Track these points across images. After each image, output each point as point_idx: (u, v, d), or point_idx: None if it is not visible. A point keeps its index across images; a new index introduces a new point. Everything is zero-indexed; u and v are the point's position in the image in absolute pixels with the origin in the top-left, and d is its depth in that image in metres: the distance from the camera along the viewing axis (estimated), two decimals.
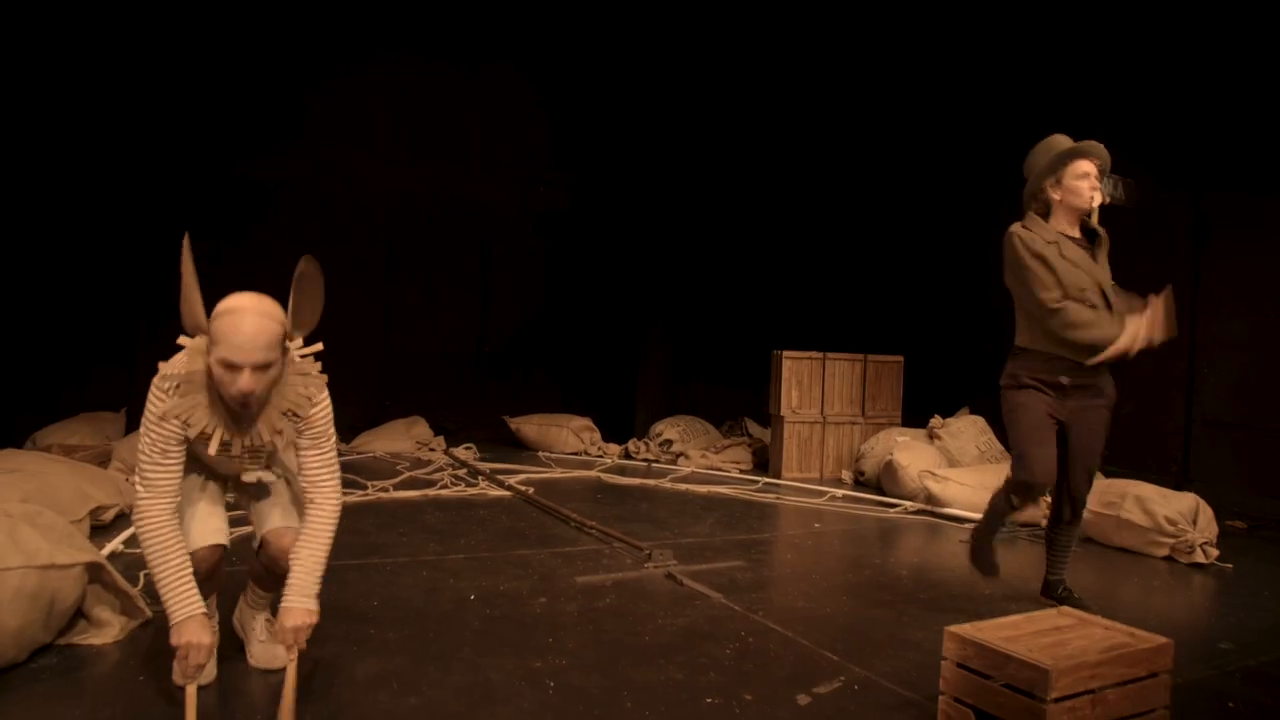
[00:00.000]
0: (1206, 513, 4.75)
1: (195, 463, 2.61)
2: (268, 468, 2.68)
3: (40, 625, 2.72)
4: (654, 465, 7.44)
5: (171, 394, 2.39)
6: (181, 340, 2.46)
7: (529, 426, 8.03)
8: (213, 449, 2.43)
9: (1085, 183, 3.64)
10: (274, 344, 2.35)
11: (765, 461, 7.53)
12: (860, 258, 9.35)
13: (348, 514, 4.25)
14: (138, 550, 3.95)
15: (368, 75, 8.01)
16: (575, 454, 7.72)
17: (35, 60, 6.77)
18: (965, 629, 2.57)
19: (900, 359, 7.73)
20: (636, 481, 6.63)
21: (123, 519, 4.58)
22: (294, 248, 2.66)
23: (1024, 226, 3.74)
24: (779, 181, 9.28)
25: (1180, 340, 6.65)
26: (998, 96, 8.01)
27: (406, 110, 8.21)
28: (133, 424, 6.25)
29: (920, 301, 8.92)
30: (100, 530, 4.32)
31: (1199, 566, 4.59)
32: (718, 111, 8.94)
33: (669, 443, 7.86)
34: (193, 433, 2.40)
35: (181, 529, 2.44)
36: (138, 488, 2.40)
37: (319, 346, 2.59)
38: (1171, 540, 4.68)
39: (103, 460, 5.29)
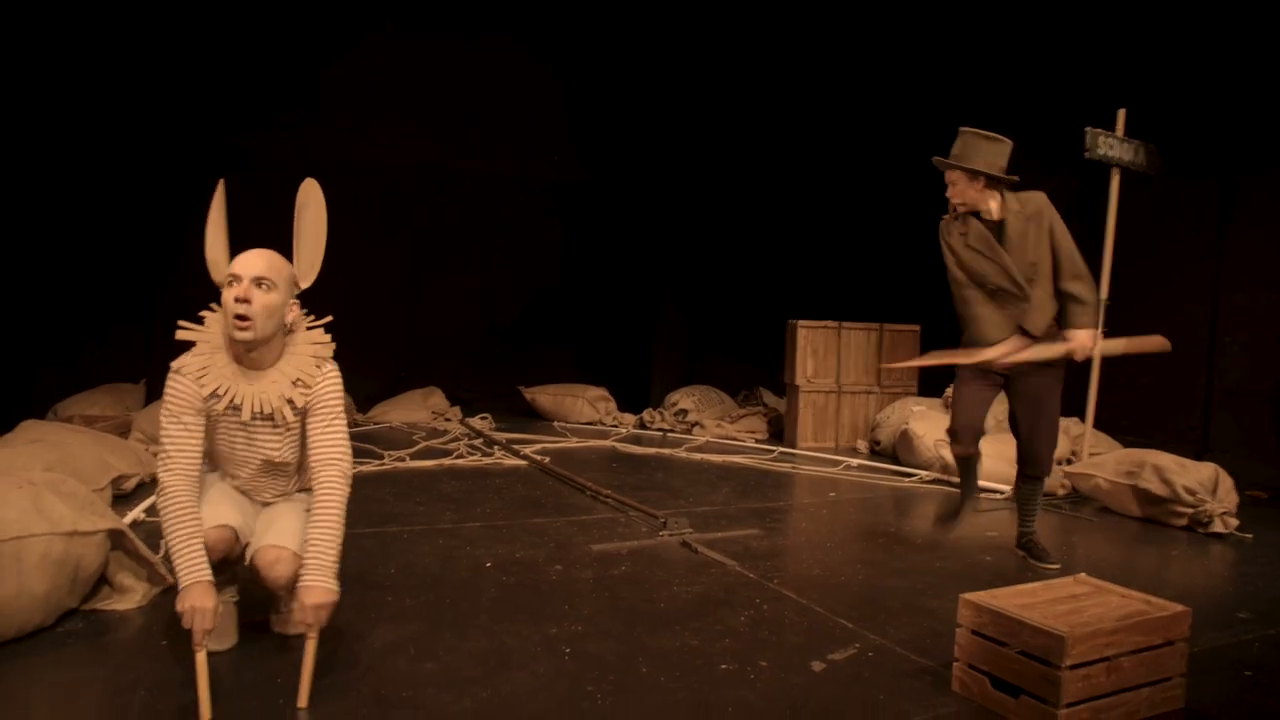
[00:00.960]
0: (1226, 482, 4.72)
1: (232, 476, 2.68)
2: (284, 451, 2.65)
3: (66, 591, 2.76)
4: (669, 435, 7.45)
5: (188, 357, 2.47)
6: (204, 314, 2.55)
7: (544, 396, 8.06)
8: (222, 405, 2.46)
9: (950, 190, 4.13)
10: (278, 268, 2.46)
11: (781, 431, 7.53)
12: (876, 226, 9.26)
13: (365, 483, 4.30)
14: (159, 518, 4.02)
15: (381, 50, 7.96)
16: (591, 424, 7.74)
17: (56, 30, 6.76)
18: (980, 596, 2.57)
19: (917, 328, 7.68)
20: (652, 451, 6.64)
21: (144, 488, 4.63)
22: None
23: (949, 216, 4.24)
24: (794, 151, 9.19)
25: (1201, 310, 6.61)
26: (1020, 66, 7.89)
27: (419, 85, 8.15)
28: (152, 395, 6.31)
29: (936, 270, 8.83)
30: (122, 499, 4.38)
31: (1218, 536, 4.57)
32: (732, 82, 8.84)
33: (684, 412, 7.87)
34: (205, 390, 2.44)
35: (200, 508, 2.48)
36: (158, 466, 2.44)
37: (329, 318, 2.63)
38: (1190, 510, 4.65)
39: (123, 430, 5.35)
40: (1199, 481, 4.66)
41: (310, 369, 2.54)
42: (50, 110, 6.81)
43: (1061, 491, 5.47)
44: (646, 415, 7.97)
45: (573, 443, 6.82)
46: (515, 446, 6.38)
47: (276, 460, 2.62)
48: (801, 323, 7.26)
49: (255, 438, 2.59)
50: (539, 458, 6.05)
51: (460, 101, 8.35)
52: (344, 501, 2.52)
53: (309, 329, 2.61)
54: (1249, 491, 5.30)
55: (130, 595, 2.99)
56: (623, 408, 8.00)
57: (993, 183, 4.01)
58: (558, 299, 8.94)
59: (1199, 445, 6.50)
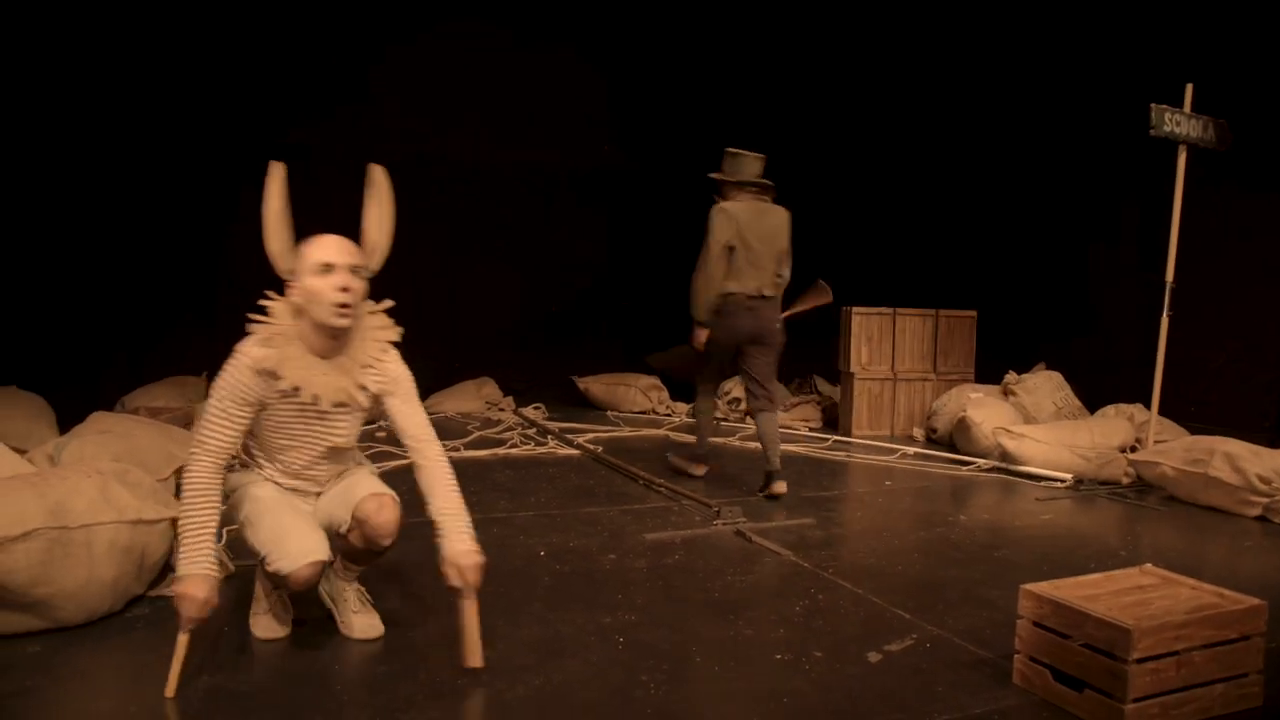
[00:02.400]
0: None
1: (277, 472, 2.66)
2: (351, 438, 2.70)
3: (133, 577, 2.84)
4: (722, 423, 7.41)
5: (260, 347, 2.44)
6: (266, 304, 2.52)
7: (597, 386, 8.07)
8: (306, 395, 2.46)
9: None
10: (359, 256, 2.50)
11: (835, 419, 7.45)
12: (931, 211, 9.10)
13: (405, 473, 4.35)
14: (220, 507, 4.11)
15: (429, 45, 8.03)
16: (643, 413, 7.74)
17: (123, 29, 6.93)
18: (1042, 587, 2.50)
19: (973, 314, 7.53)
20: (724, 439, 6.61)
21: None
22: (358, 213, 2.66)
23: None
24: (846, 134, 9.07)
25: (1276, 292, 6.36)
26: (1076, 52, 7.67)
27: (468, 79, 8.22)
28: None
29: (994, 255, 8.67)
30: None
31: None
32: (781, 65, 8.74)
33: (737, 401, 7.82)
34: (285, 384, 2.43)
35: (279, 549, 2.45)
36: (191, 449, 2.45)
37: (390, 303, 2.64)
38: (1265, 499, 4.49)
39: (186, 422, 5.47)
40: (1274, 469, 4.50)
41: (377, 353, 2.58)
42: (118, 108, 7.00)
43: (1126, 480, 5.33)
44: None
45: (625, 432, 6.82)
46: (568, 436, 6.40)
47: (344, 446, 2.66)
48: (856, 309, 7.16)
49: (325, 424, 2.59)
50: (592, 447, 6.06)
51: (507, 93, 8.40)
52: (451, 468, 2.63)
53: (370, 313, 2.62)
54: None
55: None
56: (675, 396, 7.98)
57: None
58: (608, 289, 8.95)
59: (1274, 432, 6.28)
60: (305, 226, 2.56)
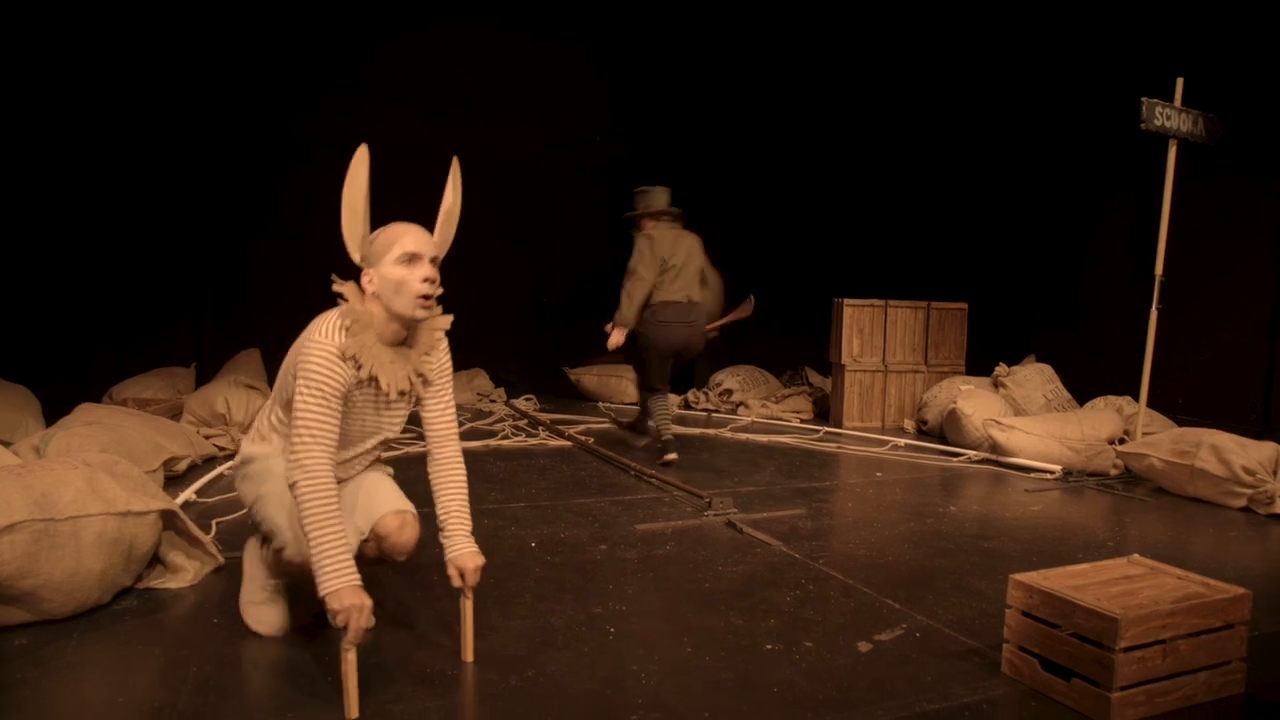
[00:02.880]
0: None
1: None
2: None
3: (121, 569, 2.83)
4: (714, 415, 7.42)
5: (340, 335, 2.33)
6: (337, 288, 2.40)
7: (589, 377, 8.07)
8: (386, 386, 2.41)
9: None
10: (438, 250, 2.46)
11: (826, 411, 7.47)
12: (923, 203, 9.11)
13: (409, 464, 4.33)
14: (211, 499, 4.11)
15: (425, 36, 7.99)
16: (635, 404, 7.71)
17: (111, 19, 6.87)
18: (1031, 577, 2.52)
19: (964, 306, 7.56)
20: (696, 431, 6.63)
21: (195, 470, 4.73)
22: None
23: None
24: (839, 127, 9.06)
25: (1263, 282, 6.41)
26: (1067, 45, 7.68)
27: (464, 70, 8.18)
28: (202, 378, 6.44)
29: (985, 248, 8.69)
30: (174, 480, 4.47)
31: (1278, 518, 4.44)
32: (775, 59, 8.73)
33: (729, 392, 7.84)
34: (364, 373, 2.36)
35: (291, 539, 2.40)
36: (296, 444, 2.24)
37: (440, 290, 2.52)
38: (1250, 490, 4.53)
39: (175, 413, 5.45)
40: (1259, 461, 4.53)
41: (433, 343, 2.55)
42: (104, 98, 6.94)
43: (1114, 471, 5.36)
44: (691, 395, 7.96)
45: (610, 423, 6.82)
46: (559, 427, 6.40)
47: (393, 437, 2.65)
48: (847, 301, 7.18)
49: (383, 416, 2.56)
50: (583, 438, 6.06)
51: (504, 88, 8.36)
52: (463, 468, 2.62)
53: None
54: None
55: (182, 574, 3.05)
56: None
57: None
58: (602, 280, 8.93)
59: (1259, 424, 6.32)
60: (299, 216, 2.54)
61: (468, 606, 2.52)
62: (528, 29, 8.30)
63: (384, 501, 2.56)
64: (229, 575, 3.15)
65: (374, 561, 2.60)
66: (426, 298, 2.37)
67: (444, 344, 2.60)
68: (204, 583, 3.08)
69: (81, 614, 2.73)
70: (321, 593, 2.15)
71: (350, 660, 2.15)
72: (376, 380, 2.41)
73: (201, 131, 7.29)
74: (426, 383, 2.56)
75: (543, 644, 2.66)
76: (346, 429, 2.48)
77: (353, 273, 2.43)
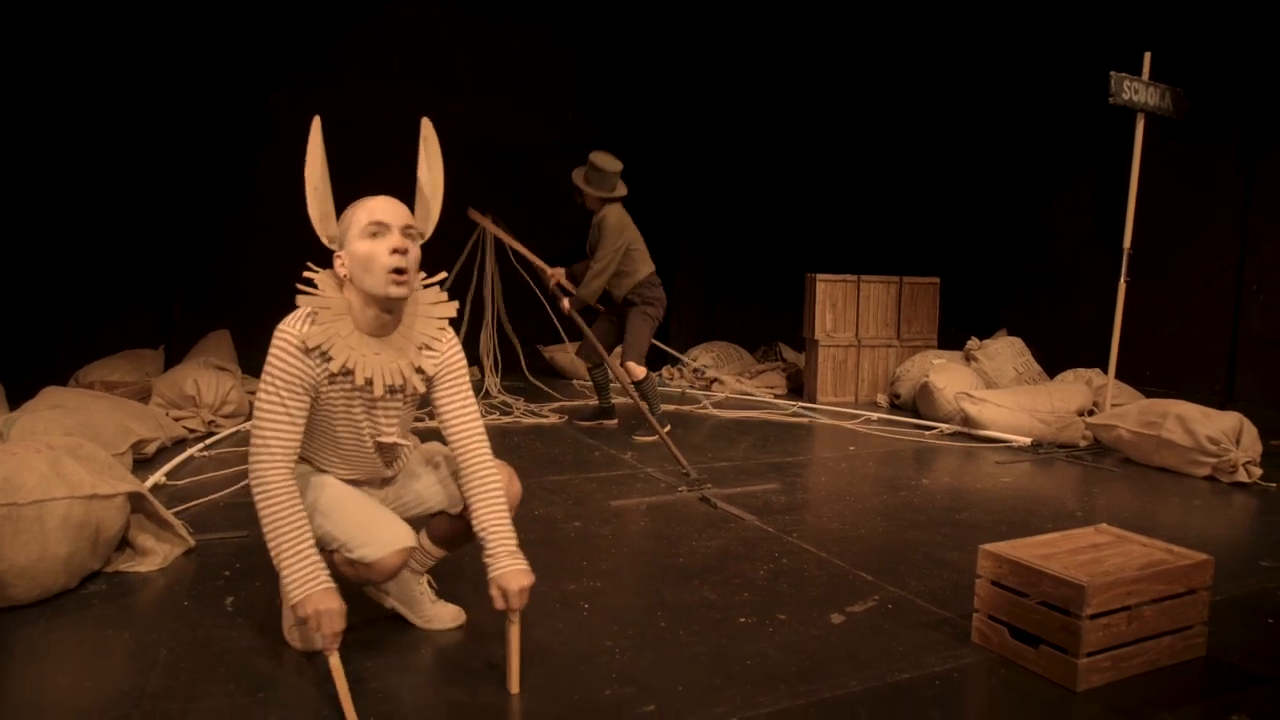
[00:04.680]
0: (1250, 432, 4.66)
1: (336, 462, 2.40)
2: (403, 434, 2.46)
3: (88, 553, 2.80)
4: (688, 391, 7.44)
5: (306, 326, 2.15)
6: (309, 274, 2.23)
7: (563, 355, 8.05)
8: (359, 378, 2.19)
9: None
10: (412, 217, 2.24)
11: (800, 386, 7.50)
12: (895, 178, 9.14)
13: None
14: (180, 481, 4.06)
15: (398, 14, 7.89)
16: (610, 381, 7.72)
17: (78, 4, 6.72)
18: (1000, 547, 2.55)
19: (936, 280, 7.60)
20: (671, 407, 6.63)
21: (164, 452, 4.68)
22: (333, 180, 2.53)
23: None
24: (810, 104, 9.05)
25: (1228, 258, 6.49)
26: (1041, 18, 7.70)
27: (434, 49, 8.05)
28: (171, 360, 6.36)
29: (956, 222, 8.74)
30: (143, 463, 4.42)
31: (1241, 486, 4.53)
32: (747, 34, 8.68)
33: (703, 368, 7.85)
34: (335, 365, 2.16)
35: (364, 535, 2.24)
36: (253, 453, 2.14)
37: (443, 275, 2.43)
38: (1213, 460, 4.60)
39: (143, 396, 5.38)
40: (1222, 431, 4.61)
41: (435, 332, 2.33)
42: (73, 81, 6.79)
43: (1083, 442, 5.43)
44: (665, 372, 7.96)
45: (592, 400, 6.81)
46: (533, 405, 6.39)
47: (388, 443, 2.40)
48: (820, 276, 7.20)
49: (373, 416, 2.33)
50: (558, 416, 6.06)
51: (475, 67, 8.25)
52: (498, 472, 2.36)
53: (425, 286, 2.38)
54: (1273, 441, 5.23)
55: (152, 557, 3.02)
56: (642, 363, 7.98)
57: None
58: (574, 258, 8.90)
59: (1223, 395, 6.43)
60: (269, 195, 2.46)
61: (514, 632, 2.23)
62: (500, 7, 8.20)
63: (469, 465, 2.36)
64: (199, 558, 3.13)
65: (465, 536, 2.49)
66: (399, 271, 2.13)
67: (449, 335, 2.37)
68: (174, 566, 3.05)
69: (48, 599, 2.70)
70: (290, 602, 2.09)
71: (335, 665, 2.08)
72: (359, 375, 2.19)
73: (170, 109, 7.14)
74: (429, 379, 2.33)
75: None
76: (338, 437, 2.33)
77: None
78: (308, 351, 2.15)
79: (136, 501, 3.01)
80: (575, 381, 7.69)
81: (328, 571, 2.13)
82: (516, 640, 2.23)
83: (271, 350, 2.15)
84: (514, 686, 2.21)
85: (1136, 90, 5.29)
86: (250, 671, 2.29)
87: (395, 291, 2.15)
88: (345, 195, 2.33)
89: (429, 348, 2.32)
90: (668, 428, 5.33)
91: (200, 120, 7.24)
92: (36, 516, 2.62)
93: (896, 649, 2.50)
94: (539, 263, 6.00)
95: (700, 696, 2.20)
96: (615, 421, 5.90)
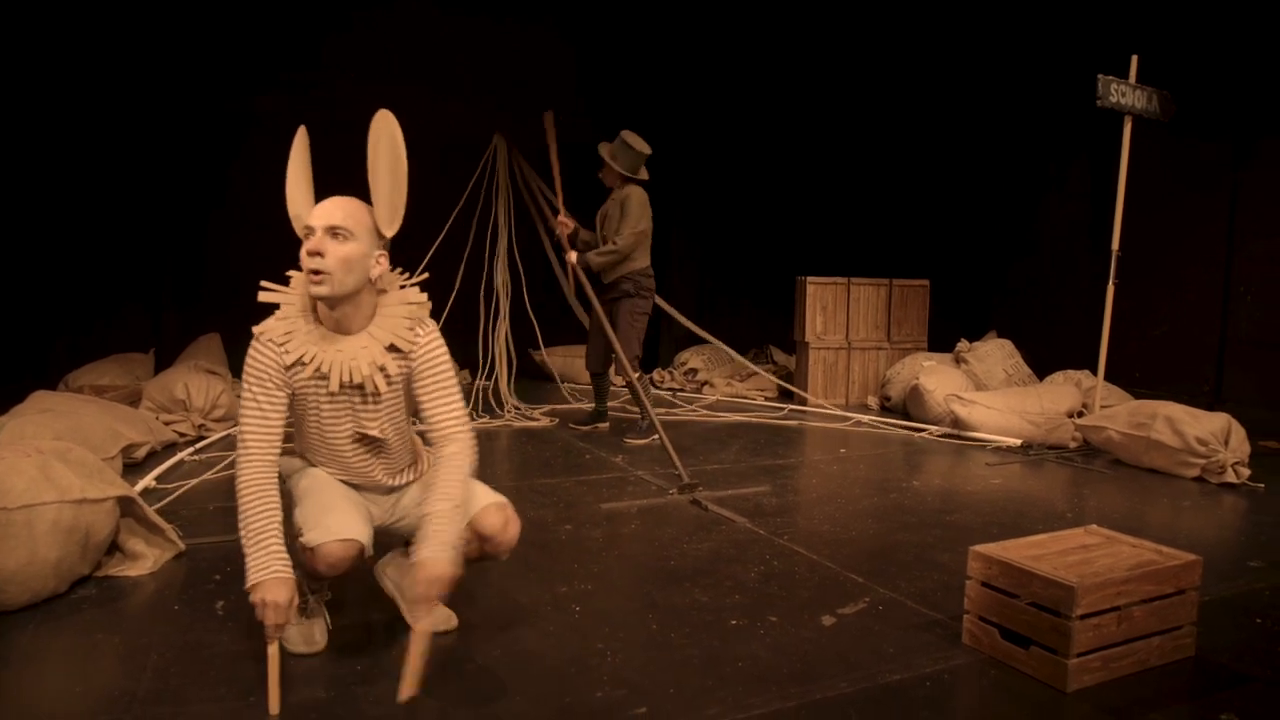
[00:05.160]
0: (1239, 433, 4.69)
1: (325, 460, 2.42)
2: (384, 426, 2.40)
3: (78, 557, 2.78)
4: (679, 394, 7.44)
5: (272, 321, 2.25)
6: (290, 273, 2.33)
7: (554, 358, 8.04)
8: (307, 372, 2.22)
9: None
10: (357, 216, 2.21)
11: (790, 388, 7.51)
12: (885, 181, 9.17)
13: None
14: (170, 485, 4.05)
15: (386, 14, 7.88)
16: (610, 387, 7.72)
17: (63, 8, 6.70)
18: (990, 548, 2.56)
19: (926, 283, 7.63)
20: (662, 410, 6.63)
21: (154, 456, 4.66)
22: (319, 179, 2.52)
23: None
24: (800, 106, 9.07)
25: (1216, 259, 6.53)
26: (1031, 22, 7.74)
27: (426, 50, 8.05)
28: (161, 364, 6.34)
29: (946, 225, 8.78)
30: (133, 467, 4.40)
31: (1230, 486, 4.55)
32: (739, 37, 8.70)
33: (694, 371, 7.86)
34: (289, 358, 2.21)
35: (314, 521, 2.24)
36: (238, 449, 2.21)
37: (425, 275, 2.41)
38: (1202, 461, 4.63)
39: (133, 400, 5.36)
40: (1211, 432, 4.63)
41: (403, 331, 2.29)
42: (60, 86, 6.76)
43: (1073, 444, 5.45)
44: (656, 375, 7.96)
45: (584, 404, 6.81)
46: (525, 408, 6.38)
47: (379, 438, 2.37)
48: (810, 278, 7.21)
49: (346, 411, 2.33)
50: (549, 419, 6.06)
51: (468, 67, 8.25)
52: (468, 472, 2.29)
53: (402, 287, 2.36)
54: (1262, 442, 5.28)
55: (142, 561, 3.01)
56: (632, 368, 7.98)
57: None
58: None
59: (1212, 396, 6.47)
60: (257, 198, 2.46)
61: (418, 630, 2.07)
62: (492, 8, 8.20)
63: (477, 497, 2.39)
64: (189, 562, 3.12)
65: (477, 560, 2.44)
66: (314, 272, 2.16)
67: (428, 328, 2.34)
68: (164, 570, 3.04)
69: (37, 604, 2.69)
70: (247, 584, 2.10)
71: (272, 653, 2.10)
72: (310, 367, 2.23)
73: (157, 112, 7.12)
74: (405, 374, 2.32)
75: (508, 623, 2.66)
76: (309, 434, 2.37)
77: None
78: (274, 347, 2.23)
79: (126, 506, 2.99)
80: (565, 385, 7.69)
81: (287, 563, 2.12)
82: (417, 641, 2.05)
83: (251, 346, 2.25)
84: (405, 691, 2.00)
85: (1124, 93, 5.32)
86: (241, 675, 2.28)
87: (313, 291, 2.19)
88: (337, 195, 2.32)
89: (396, 347, 2.29)
90: (644, 440, 5.42)
91: (189, 123, 7.22)
92: (26, 521, 2.61)
93: (887, 650, 2.51)
94: (560, 202, 5.84)
95: (692, 699, 2.21)
96: (607, 425, 5.89)
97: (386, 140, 2.27)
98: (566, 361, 7.96)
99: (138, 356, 6.45)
